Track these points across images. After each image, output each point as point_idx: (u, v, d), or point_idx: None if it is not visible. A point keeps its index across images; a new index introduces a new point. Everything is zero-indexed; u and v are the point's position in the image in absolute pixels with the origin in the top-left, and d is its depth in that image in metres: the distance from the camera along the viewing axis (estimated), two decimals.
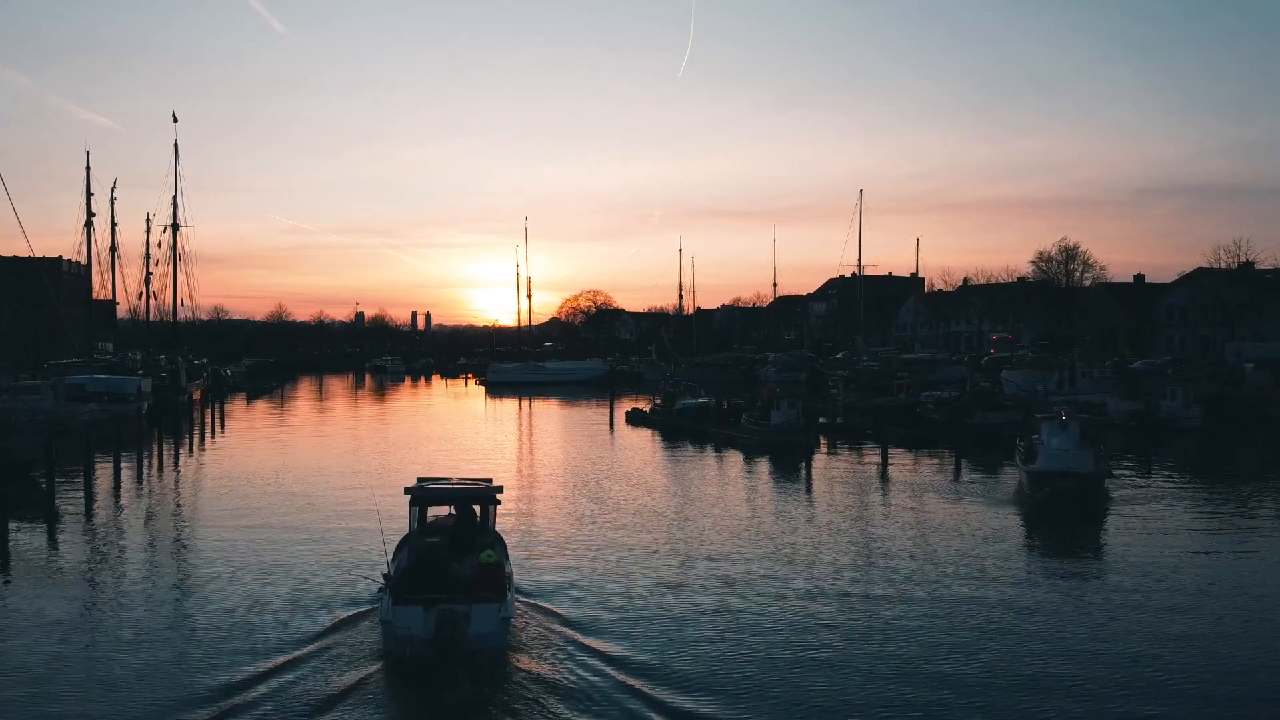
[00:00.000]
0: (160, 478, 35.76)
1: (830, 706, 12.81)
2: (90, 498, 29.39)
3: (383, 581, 15.23)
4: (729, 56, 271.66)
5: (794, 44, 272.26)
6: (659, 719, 12.27)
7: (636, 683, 13.33)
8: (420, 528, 17.56)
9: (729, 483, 33.70)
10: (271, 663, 13.98)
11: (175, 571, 21.24)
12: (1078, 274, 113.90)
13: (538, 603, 17.09)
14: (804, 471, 35.58)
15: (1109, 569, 20.82)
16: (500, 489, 18.19)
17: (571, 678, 13.46)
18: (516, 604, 15.53)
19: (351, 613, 16.35)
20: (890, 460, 36.52)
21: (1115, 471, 30.93)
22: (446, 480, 19.42)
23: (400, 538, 17.52)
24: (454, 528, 17.53)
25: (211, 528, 25.67)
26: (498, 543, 17.34)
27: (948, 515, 26.20)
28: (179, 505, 30.35)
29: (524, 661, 14.05)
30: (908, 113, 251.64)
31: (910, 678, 13.77)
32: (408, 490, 17.79)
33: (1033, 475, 28.41)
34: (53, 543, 23.94)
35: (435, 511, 18.35)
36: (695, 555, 21.86)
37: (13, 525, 23.77)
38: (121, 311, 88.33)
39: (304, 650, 14.52)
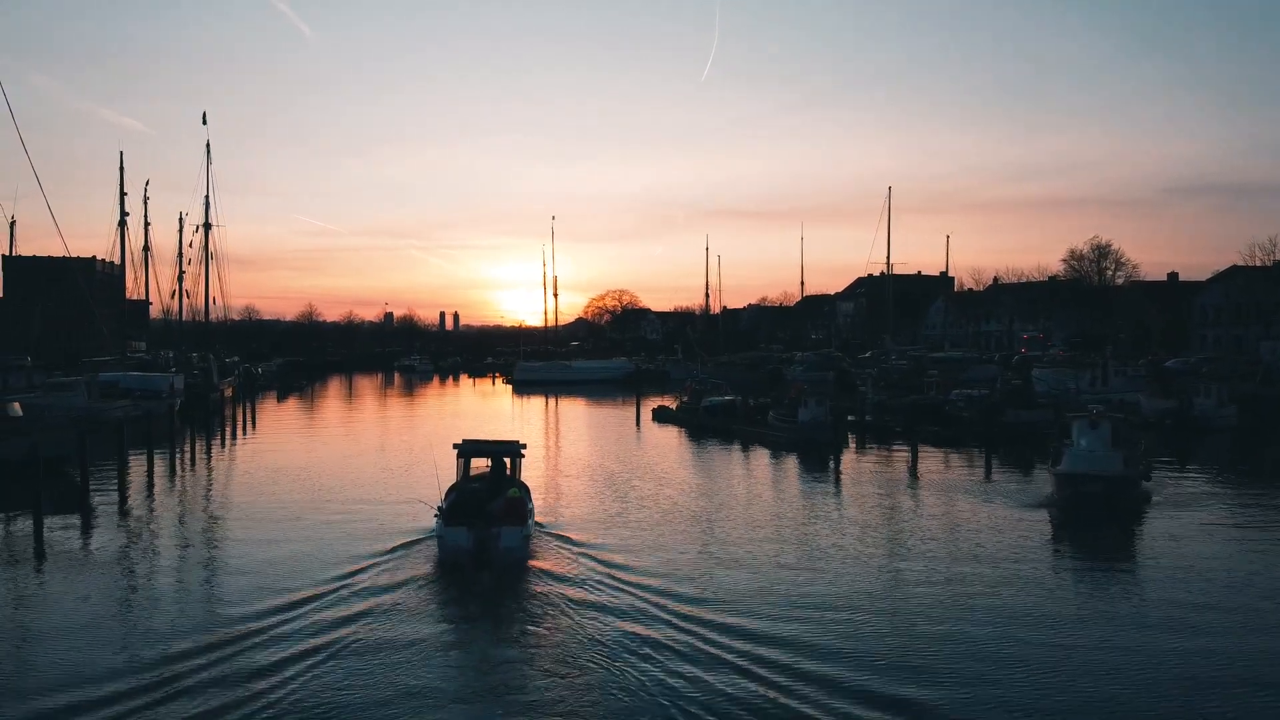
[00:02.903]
0: (193, 469, 36.61)
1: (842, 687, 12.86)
2: (124, 488, 29.94)
3: (438, 511, 20.51)
4: (753, 57, 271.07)
5: (818, 44, 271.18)
6: (646, 596, 17.17)
7: (628, 576, 18.62)
8: (464, 475, 23.17)
9: (755, 478, 33.53)
10: (356, 566, 19.32)
11: (245, 525, 24.94)
12: (1110, 272, 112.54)
13: (558, 532, 22.76)
14: (831, 469, 35.32)
15: (1133, 576, 20.03)
16: (524, 445, 23.69)
17: (577, 576, 18.64)
18: (542, 533, 22.15)
19: (414, 538, 21.58)
20: (919, 459, 36.19)
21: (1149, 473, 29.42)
22: (485, 441, 25.30)
23: (450, 485, 22.45)
24: (489, 475, 22.91)
25: (267, 498, 29.19)
26: (522, 487, 22.56)
27: (976, 516, 25.65)
28: (224, 487, 32.18)
29: (541, 565, 19.40)
30: (933, 112, 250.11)
31: (928, 677, 13.55)
32: (455, 445, 23.50)
33: (1059, 477, 27.57)
34: (92, 526, 24.75)
35: (477, 465, 23.74)
36: (712, 528, 24.51)
37: (47, 517, 24.19)
38: (155, 311, 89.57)
39: (379, 560, 19.85)
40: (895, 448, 41.29)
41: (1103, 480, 26.52)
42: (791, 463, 37.36)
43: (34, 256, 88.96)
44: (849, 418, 47.02)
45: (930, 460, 37.12)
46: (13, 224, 67.40)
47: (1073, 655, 14.43)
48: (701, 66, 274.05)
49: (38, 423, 32.90)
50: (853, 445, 42.59)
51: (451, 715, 12.13)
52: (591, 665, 13.68)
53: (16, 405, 34.85)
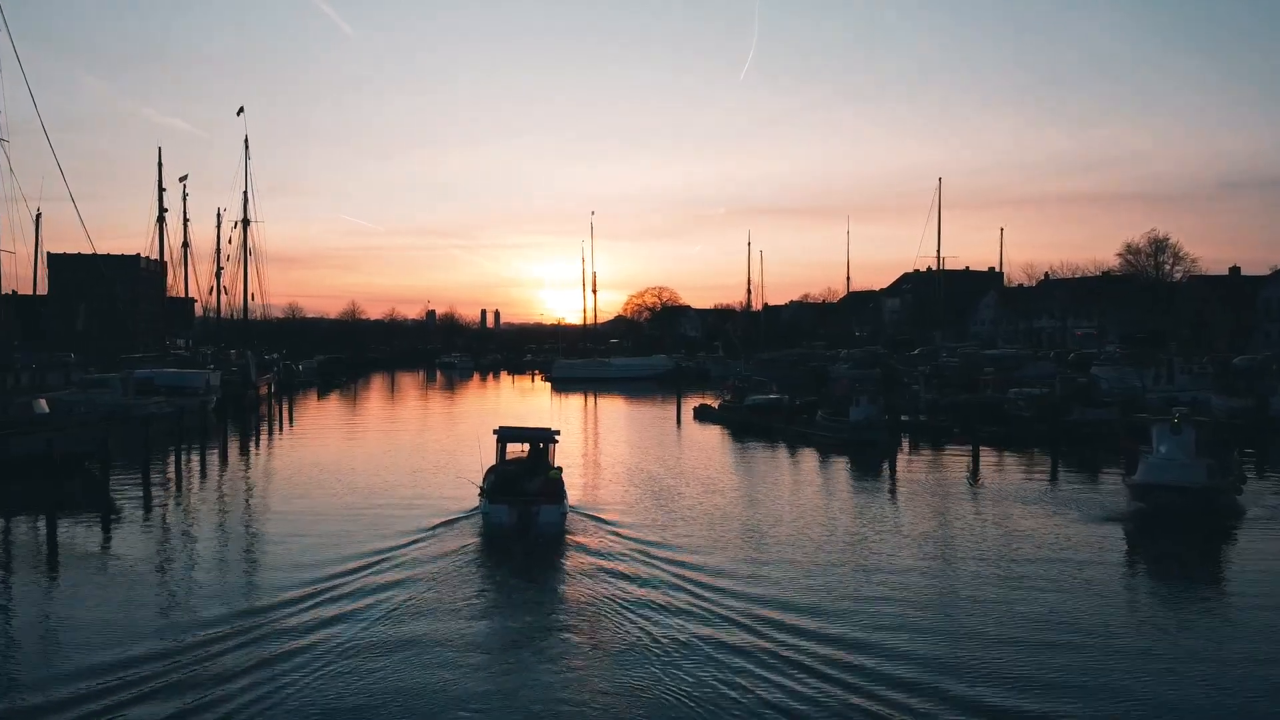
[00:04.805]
0: (224, 464, 36.12)
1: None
2: (148, 484, 29.31)
3: (480, 490, 23.03)
4: (792, 53, 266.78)
5: (857, 39, 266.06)
6: (671, 568, 18.62)
7: (656, 551, 20.18)
8: (502, 458, 24.73)
9: (804, 481, 31.77)
10: (407, 539, 20.98)
11: (295, 506, 26.51)
12: (1168, 266, 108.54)
13: (591, 512, 24.48)
14: (886, 472, 33.38)
15: (1216, 603, 17.78)
16: (558, 431, 25.30)
17: (607, 549, 20.53)
18: (577, 513, 23.77)
19: (459, 515, 23.33)
20: (978, 461, 34.12)
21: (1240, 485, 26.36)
22: (522, 427, 27.12)
23: (489, 467, 24.40)
24: (526, 458, 24.92)
25: (301, 488, 29.71)
26: (558, 471, 24.08)
27: (1043, 529, 23.20)
28: (254, 480, 32.31)
29: (575, 539, 21.28)
30: (975, 107, 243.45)
31: (985, 695, 12.32)
32: (495, 431, 25.04)
33: (1135, 488, 25.19)
34: (111, 521, 24.49)
35: (512, 450, 25.32)
36: (757, 527, 23.88)
37: (68, 513, 24.45)
38: (199, 308, 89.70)
39: (429, 532, 21.66)
40: (951, 449, 39.19)
41: (1180, 492, 24.04)
42: (842, 465, 35.49)
43: (78, 254, 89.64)
44: (903, 417, 44.86)
45: (990, 463, 35.03)
46: (38, 218, 66.75)
47: (1139, 689, 12.78)
48: (740, 63, 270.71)
49: (65, 420, 32.28)
50: (906, 446, 40.48)
51: (497, 669, 13.33)
52: (616, 627, 15.04)
53: (43, 402, 34.30)
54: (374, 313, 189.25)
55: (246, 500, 28.32)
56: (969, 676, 13.10)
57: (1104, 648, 14.51)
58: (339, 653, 13.50)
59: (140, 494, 28.03)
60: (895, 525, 24.00)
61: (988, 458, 35.86)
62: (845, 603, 16.68)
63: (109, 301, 72.62)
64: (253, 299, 79.69)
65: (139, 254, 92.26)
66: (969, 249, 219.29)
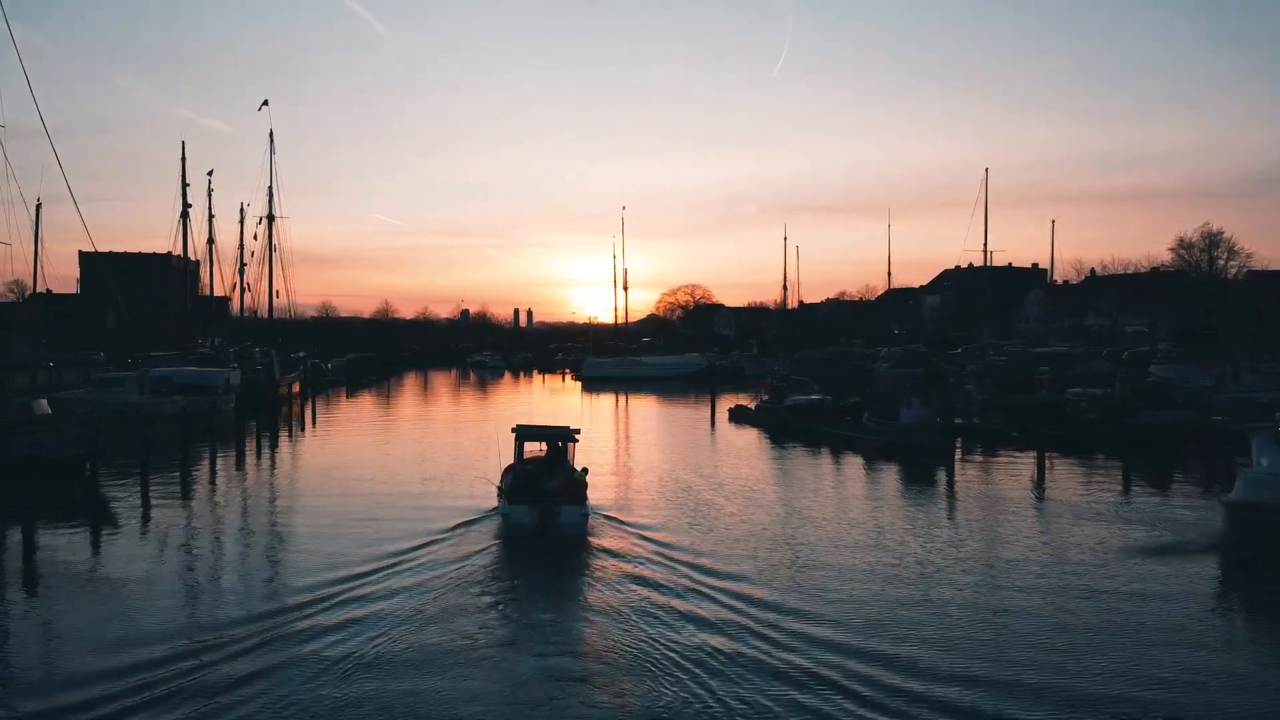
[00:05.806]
0: (239, 464, 34.71)
1: None
2: (145, 487, 27.60)
3: (498, 490, 22.61)
4: (827, 49, 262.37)
5: (892, 35, 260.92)
6: (689, 572, 17.89)
7: (676, 554, 19.44)
8: (520, 457, 23.89)
9: (852, 491, 29.29)
10: (427, 539, 20.45)
11: (307, 507, 26.10)
12: (1222, 262, 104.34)
13: (617, 515, 23.50)
14: (941, 479, 30.77)
15: None
16: (578, 430, 24.46)
17: (630, 552, 19.74)
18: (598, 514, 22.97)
19: (477, 516, 22.73)
20: (1044, 469, 31.43)
21: None
22: (541, 425, 26.30)
23: (506, 466, 23.56)
24: (544, 457, 24.10)
25: (327, 489, 29.00)
26: (581, 472, 23.29)
27: (1130, 558, 19.94)
28: (263, 481, 31.27)
29: (597, 541, 20.57)
30: (1014, 103, 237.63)
31: None
32: (514, 429, 24.25)
33: (1232, 507, 22.43)
34: (102, 524, 23.58)
35: (530, 449, 24.52)
36: (796, 535, 22.29)
37: (55, 516, 23.90)
38: (233, 306, 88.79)
39: (449, 533, 21.11)
40: (1005, 454, 36.47)
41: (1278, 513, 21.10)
42: (892, 471, 32.87)
43: (109, 252, 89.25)
44: (956, 420, 42.02)
45: (1053, 470, 32.24)
46: (38, 209, 65.35)
47: None
48: (774, 59, 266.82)
49: (63, 420, 30.89)
50: (959, 451, 37.58)
51: (516, 669, 12.84)
52: (633, 633, 14.31)
53: (43, 402, 32.92)
54: (407, 312, 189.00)
55: (250, 502, 27.00)
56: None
57: (1199, 688, 12.43)
58: (343, 665, 12.86)
59: (138, 495, 26.62)
60: (957, 545, 21.46)
61: (1049, 464, 33.05)
62: (902, 628, 14.79)
63: (114, 300, 71.72)
64: (278, 296, 78.27)
65: (169, 252, 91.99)
66: (1011, 245, 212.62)
